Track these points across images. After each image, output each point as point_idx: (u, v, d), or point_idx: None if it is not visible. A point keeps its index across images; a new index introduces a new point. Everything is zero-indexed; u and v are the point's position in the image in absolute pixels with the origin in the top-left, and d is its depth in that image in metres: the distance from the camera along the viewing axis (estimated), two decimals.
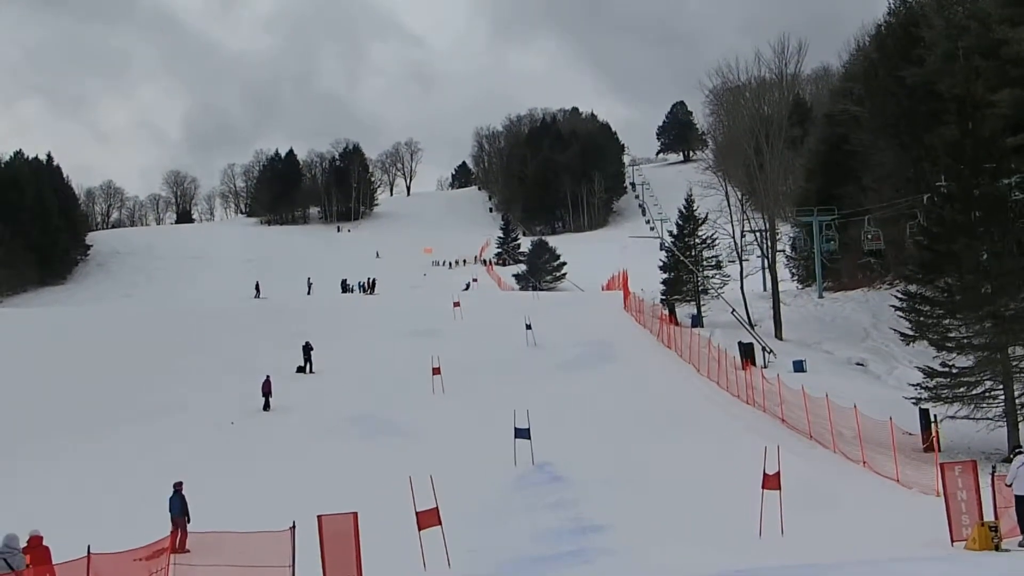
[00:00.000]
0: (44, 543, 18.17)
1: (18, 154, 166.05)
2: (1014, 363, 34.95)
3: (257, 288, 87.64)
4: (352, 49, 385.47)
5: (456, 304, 68.40)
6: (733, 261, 67.95)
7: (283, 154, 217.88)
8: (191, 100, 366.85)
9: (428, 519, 22.57)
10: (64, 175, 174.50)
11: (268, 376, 44.69)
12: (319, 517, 19.33)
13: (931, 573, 17.39)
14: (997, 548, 19.65)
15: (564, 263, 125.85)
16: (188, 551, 21.69)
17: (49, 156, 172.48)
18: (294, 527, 18.64)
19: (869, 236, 65.72)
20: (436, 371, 46.54)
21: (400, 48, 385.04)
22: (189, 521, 24.02)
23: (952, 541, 20.50)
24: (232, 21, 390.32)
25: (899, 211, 61.17)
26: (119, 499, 29.71)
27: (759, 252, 69.01)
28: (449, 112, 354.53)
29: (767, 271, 67.41)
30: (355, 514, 19.62)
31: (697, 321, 64.09)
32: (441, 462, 29.58)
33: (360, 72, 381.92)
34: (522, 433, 33.24)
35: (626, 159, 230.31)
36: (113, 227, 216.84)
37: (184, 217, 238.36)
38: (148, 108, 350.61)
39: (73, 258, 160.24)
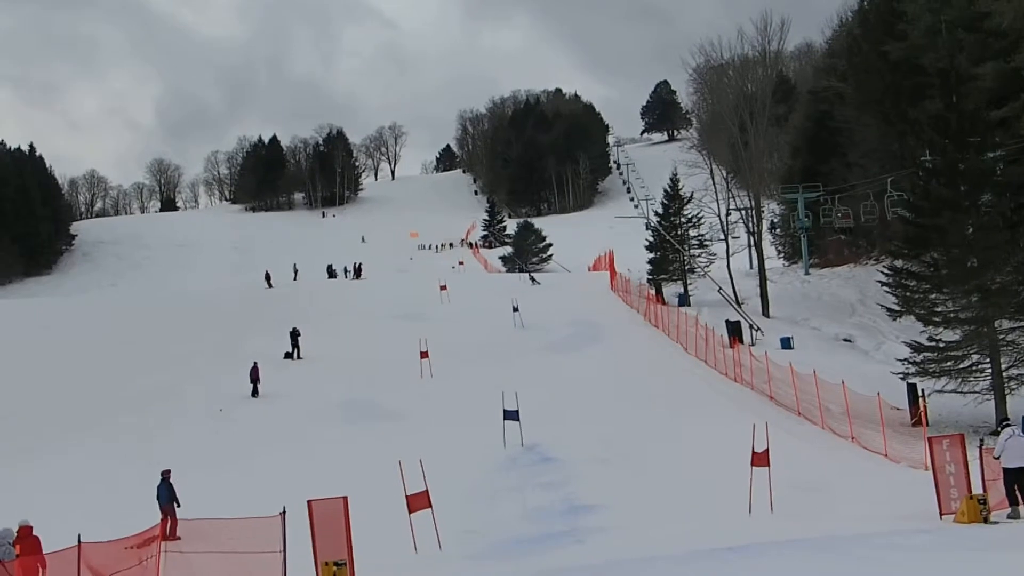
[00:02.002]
0: (34, 533, 18.10)
1: None
2: (1000, 336, 35.11)
3: (268, 278, 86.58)
4: (325, 32, 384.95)
5: (443, 287, 68.34)
6: (719, 239, 68.04)
7: (266, 140, 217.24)
8: (163, 86, 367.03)
9: (418, 502, 22.60)
10: (47, 165, 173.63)
11: (256, 363, 44.57)
12: (309, 502, 19.29)
13: (920, 546, 17.43)
14: (986, 520, 19.73)
15: (550, 245, 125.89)
16: (179, 538, 21.62)
17: (32, 146, 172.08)
18: (284, 512, 18.61)
19: (839, 214, 66.63)
20: (424, 355, 46.49)
21: (373, 29, 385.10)
22: (179, 507, 23.97)
23: (941, 514, 20.57)
24: (200, 4, 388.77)
25: (884, 186, 61.28)
26: (108, 488, 29.61)
27: (745, 230, 69.16)
28: (427, 94, 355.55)
29: (753, 249, 67.52)
30: (345, 498, 19.59)
31: (684, 300, 64.23)
32: (430, 445, 29.59)
33: (334, 55, 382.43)
34: (511, 415, 33.25)
35: (611, 139, 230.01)
36: (97, 216, 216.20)
37: (168, 205, 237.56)
38: (120, 95, 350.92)
39: (58, 248, 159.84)
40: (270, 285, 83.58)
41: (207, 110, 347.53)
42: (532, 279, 76.26)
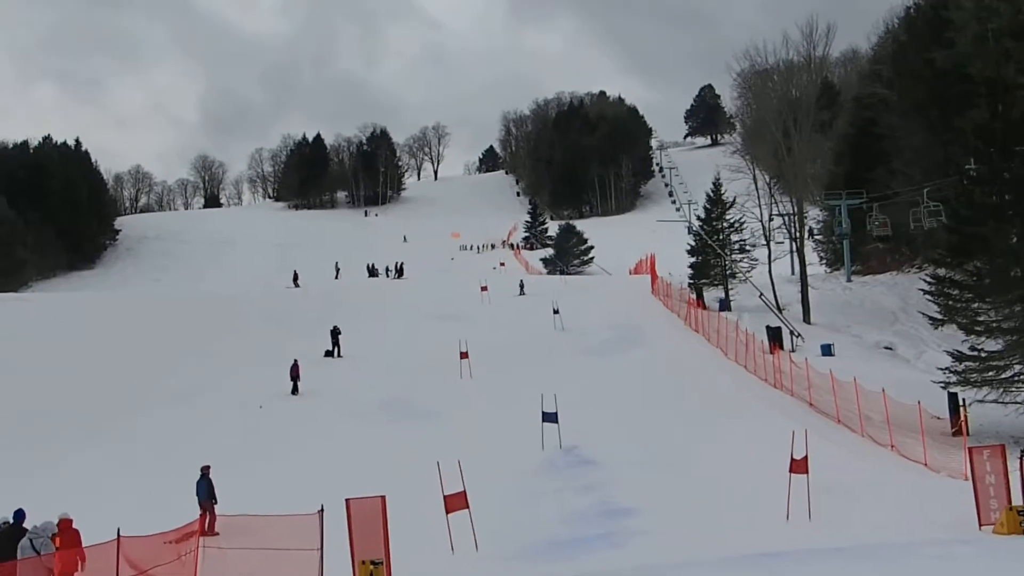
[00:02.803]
0: (74, 526, 18.32)
1: (47, 139, 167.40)
2: None
3: (295, 278, 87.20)
4: (369, 30, 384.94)
5: (484, 288, 68.47)
6: (761, 245, 67.76)
7: (310, 139, 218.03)
8: (207, 83, 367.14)
9: (456, 502, 22.67)
10: (92, 160, 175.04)
11: (296, 360, 44.89)
12: (347, 500, 19.43)
13: (959, 557, 17.35)
14: None
15: (592, 247, 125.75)
16: (217, 534, 21.86)
17: (77, 141, 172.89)
18: (322, 510, 18.76)
19: (877, 223, 66.46)
20: (464, 355, 46.63)
21: (417, 29, 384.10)
22: (217, 503, 24.17)
23: (980, 525, 20.45)
24: (245, 2, 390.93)
25: (928, 194, 60.86)
26: (148, 482, 29.95)
27: (787, 236, 68.84)
28: (470, 94, 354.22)
29: (795, 255, 67.20)
30: (383, 497, 19.72)
31: (725, 305, 63.98)
32: (469, 446, 29.72)
33: (378, 54, 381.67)
34: (550, 417, 33.30)
35: (654, 143, 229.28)
36: (141, 212, 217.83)
37: (212, 202, 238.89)
38: (163, 91, 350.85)
39: (102, 243, 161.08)
40: (296, 285, 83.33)
41: (250, 107, 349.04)
42: (521, 288, 73.42)
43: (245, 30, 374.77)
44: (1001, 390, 34.82)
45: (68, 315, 64.25)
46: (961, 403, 34.79)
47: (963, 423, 33.08)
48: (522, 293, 57.84)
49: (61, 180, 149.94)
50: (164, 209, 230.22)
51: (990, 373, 35.06)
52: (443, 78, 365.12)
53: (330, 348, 51.29)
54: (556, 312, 57.74)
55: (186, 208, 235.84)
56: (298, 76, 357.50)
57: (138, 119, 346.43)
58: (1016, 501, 20.33)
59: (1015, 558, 17.22)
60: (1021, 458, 21.98)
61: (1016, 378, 34.84)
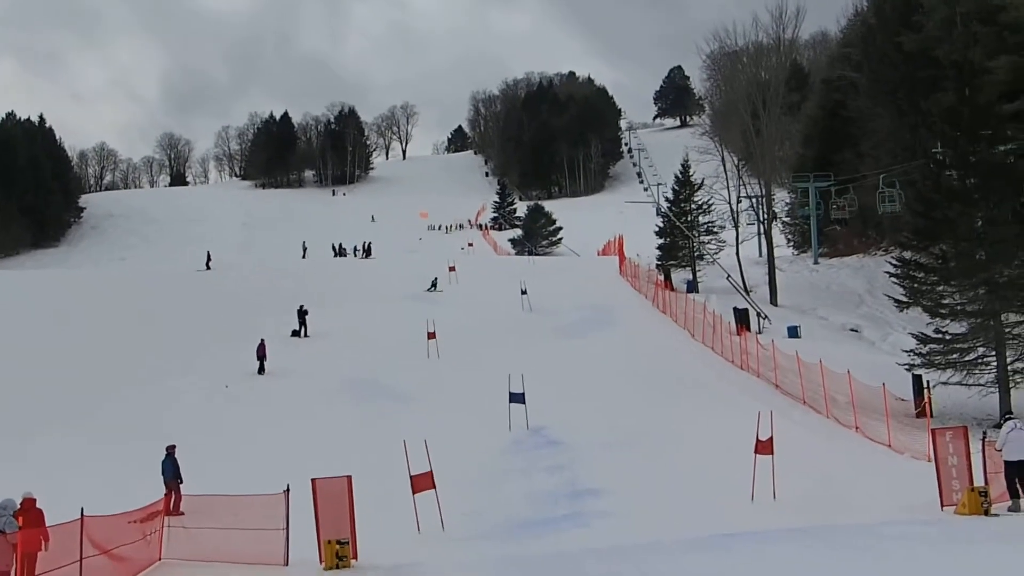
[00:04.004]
0: (37, 506, 18.20)
1: (10, 115, 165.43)
2: (1007, 330, 35.11)
3: (208, 259, 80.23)
4: (333, 9, 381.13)
5: (452, 269, 68.41)
6: (729, 227, 68.00)
7: (278, 117, 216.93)
8: (169, 59, 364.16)
9: (422, 483, 22.66)
10: (57, 137, 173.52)
11: (263, 340, 44.69)
12: (313, 480, 19.39)
13: (919, 537, 17.49)
14: (987, 513, 19.78)
15: (560, 228, 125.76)
16: (182, 513, 21.76)
17: (41, 118, 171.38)
18: (288, 490, 18.73)
19: (835, 206, 67.46)
20: (431, 335, 46.56)
21: (382, 8, 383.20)
22: (182, 483, 24.05)
23: (942, 506, 20.62)
24: None
25: (895, 177, 61.30)
26: (113, 463, 29.71)
27: (755, 218, 69.16)
28: (438, 74, 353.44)
29: (763, 237, 67.47)
30: (349, 477, 19.69)
31: (692, 287, 64.26)
32: (436, 426, 29.68)
33: (343, 32, 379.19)
34: (517, 397, 33.34)
35: (623, 124, 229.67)
36: (107, 190, 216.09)
37: (178, 180, 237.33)
38: (124, 68, 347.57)
39: (66, 220, 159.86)
40: (208, 267, 79.32)
41: (213, 85, 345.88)
42: (433, 284, 66.65)
43: (207, 6, 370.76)
44: (965, 372, 35.17)
45: (32, 294, 63.62)
46: (925, 385, 35.15)
47: (927, 405, 33.42)
48: (523, 293, 56.88)
49: (25, 157, 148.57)
50: (129, 187, 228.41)
51: (954, 356, 35.40)
52: (410, 57, 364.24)
53: (296, 328, 51.07)
54: (524, 293, 57.72)
55: (152, 186, 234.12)
56: (261, 54, 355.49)
57: (97, 96, 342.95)
58: (978, 482, 20.51)
59: (975, 539, 17.37)
60: (983, 440, 22.18)
61: (979, 361, 35.20)
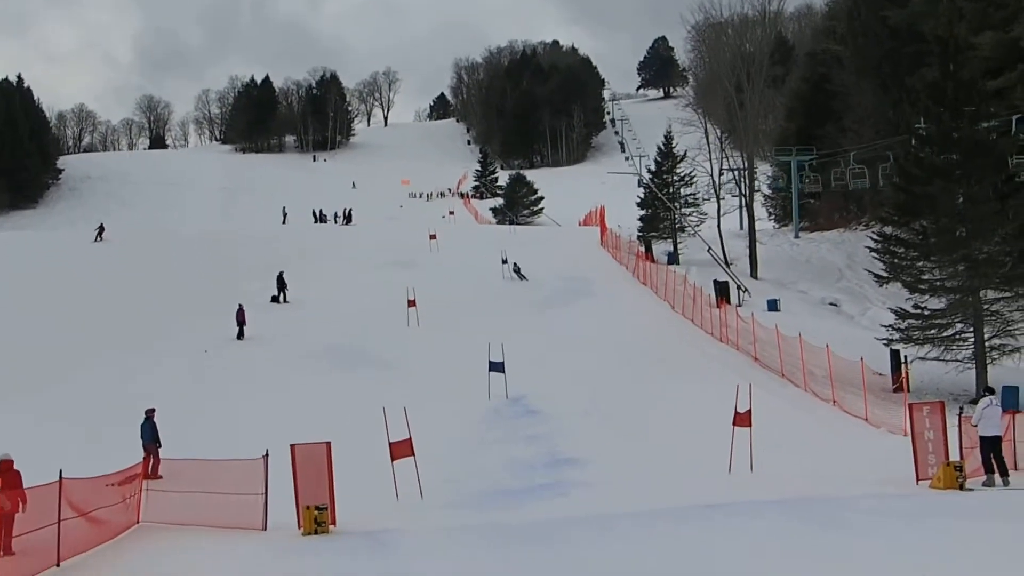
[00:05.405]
0: (15, 467, 18.11)
1: None
2: (985, 306, 35.30)
3: (101, 231, 76.13)
4: None
5: (432, 236, 68.23)
6: (711, 199, 68.08)
7: (259, 81, 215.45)
8: (143, 21, 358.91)
9: (401, 450, 22.68)
10: (35, 98, 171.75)
11: (241, 305, 44.55)
12: (292, 446, 19.36)
13: (894, 511, 17.61)
14: (961, 487, 19.89)
15: (542, 198, 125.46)
16: (161, 477, 21.69)
17: (20, 78, 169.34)
18: (267, 455, 18.70)
19: (806, 179, 67.82)
20: (412, 303, 46.50)
21: None
22: (161, 447, 23.98)
23: (917, 480, 20.73)
24: None
25: (877, 152, 61.44)
26: (92, 426, 29.64)
27: (737, 191, 69.26)
28: (419, 40, 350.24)
29: (744, 210, 67.57)
30: (328, 443, 19.67)
31: (673, 258, 64.33)
32: (415, 394, 29.73)
33: None
34: (496, 366, 33.38)
35: (606, 94, 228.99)
36: (85, 152, 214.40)
37: (158, 143, 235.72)
38: (97, 29, 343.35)
39: (44, 182, 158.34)
40: (100, 239, 75.24)
41: (187, 48, 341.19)
42: (516, 270, 58.53)
43: None
44: (942, 348, 35.37)
45: (10, 256, 63.18)
46: (903, 360, 35.34)
47: (904, 380, 33.60)
48: (523, 278, 55.89)
49: (1, 116, 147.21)
50: (108, 149, 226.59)
51: (932, 331, 35.57)
52: (390, 23, 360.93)
53: (276, 294, 50.92)
54: (505, 262, 57.67)
55: (131, 149, 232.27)
56: (237, 17, 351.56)
57: (70, 57, 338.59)
58: (954, 457, 20.63)
59: (949, 513, 17.50)
60: (960, 415, 22.29)
61: (957, 336, 35.40)
